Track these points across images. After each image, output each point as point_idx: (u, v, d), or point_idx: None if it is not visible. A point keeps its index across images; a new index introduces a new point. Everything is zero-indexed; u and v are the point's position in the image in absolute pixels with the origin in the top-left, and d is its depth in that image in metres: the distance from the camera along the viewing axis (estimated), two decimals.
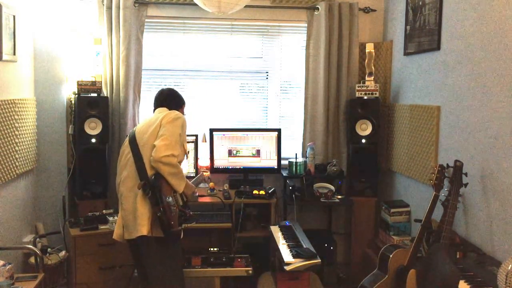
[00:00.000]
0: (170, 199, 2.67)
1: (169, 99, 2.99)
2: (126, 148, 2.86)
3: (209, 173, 3.79)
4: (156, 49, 4.18)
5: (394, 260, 2.81)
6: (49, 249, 3.50)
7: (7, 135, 3.21)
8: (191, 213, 2.79)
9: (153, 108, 3.04)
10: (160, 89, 3.10)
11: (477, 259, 2.62)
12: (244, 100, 4.39)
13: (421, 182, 3.46)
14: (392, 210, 3.63)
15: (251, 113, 4.38)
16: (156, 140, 2.69)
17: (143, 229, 2.65)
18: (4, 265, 2.59)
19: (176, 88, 3.19)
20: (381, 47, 4.19)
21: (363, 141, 3.96)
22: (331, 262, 3.85)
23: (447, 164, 2.82)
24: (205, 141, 4.03)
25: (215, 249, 3.54)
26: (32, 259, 3.28)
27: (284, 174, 3.99)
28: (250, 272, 3.21)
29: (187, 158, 2.98)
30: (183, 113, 3.02)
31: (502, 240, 2.55)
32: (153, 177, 2.66)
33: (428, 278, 2.51)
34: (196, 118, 4.18)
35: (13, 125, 3.29)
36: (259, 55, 4.32)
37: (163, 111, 2.90)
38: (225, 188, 3.96)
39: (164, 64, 4.20)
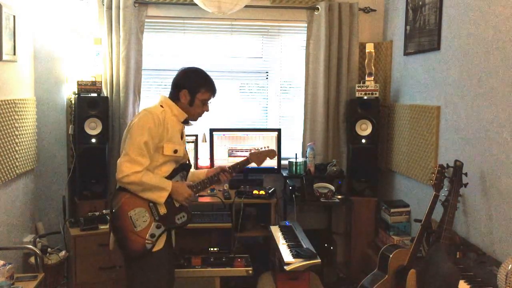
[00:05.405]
0: (134, 213, 2.41)
1: (174, 84, 2.61)
2: None
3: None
4: (156, 49, 4.18)
5: (394, 260, 2.81)
6: (49, 249, 3.50)
7: (7, 135, 3.21)
8: (177, 221, 2.51)
9: None
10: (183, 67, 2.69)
11: (477, 259, 2.62)
12: (244, 100, 4.39)
13: (421, 182, 3.46)
14: (392, 210, 3.63)
15: (251, 113, 4.38)
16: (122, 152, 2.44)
17: (109, 243, 2.52)
18: (4, 265, 2.59)
19: None
20: (381, 47, 4.19)
21: (363, 141, 3.96)
22: (331, 262, 3.85)
23: (447, 164, 2.82)
24: (205, 141, 4.03)
25: (215, 249, 3.54)
26: (32, 259, 3.28)
27: (284, 174, 3.99)
28: (250, 272, 3.21)
29: (181, 154, 2.56)
30: (196, 103, 2.56)
31: (502, 240, 2.55)
32: (118, 189, 2.43)
33: (428, 278, 2.51)
34: None
35: (13, 125, 3.29)
36: (259, 55, 4.32)
37: (151, 105, 2.58)
38: (225, 188, 3.96)
39: (164, 64, 4.20)
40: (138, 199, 2.44)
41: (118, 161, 2.41)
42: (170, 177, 2.55)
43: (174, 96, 2.60)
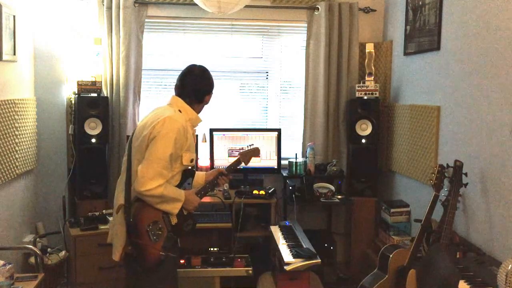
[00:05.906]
0: (151, 226, 2.35)
1: (193, 90, 2.49)
2: (126, 149, 2.54)
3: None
4: (156, 49, 4.18)
5: (394, 260, 2.81)
6: (49, 249, 3.51)
7: (7, 135, 3.21)
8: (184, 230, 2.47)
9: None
10: (191, 65, 2.58)
11: (477, 259, 2.62)
12: (244, 100, 4.39)
13: (421, 182, 3.46)
14: (392, 210, 3.63)
15: (251, 113, 4.38)
16: (143, 161, 2.31)
17: (116, 254, 2.43)
18: (4, 265, 2.59)
19: None
20: (381, 47, 4.19)
21: (363, 141, 3.96)
22: (331, 262, 3.85)
23: (447, 164, 2.82)
24: (205, 141, 4.03)
25: (215, 249, 3.53)
26: (32, 259, 3.28)
27: (284, 174, 3.99)
28: (250, 272, 3.21)
29: (194, 163, 2.55)
30: (206, 101, 2.56)
31: (502, 240, 2.55)
32: (134, 201, 2.35)
33: (428, 278, 2.51)
34: None
35: (13, 125, 3.29)
36: (259, 55, 4.32)
37: (167, 109, 2.43)
38: (225, 188, 3.96)
39: (164, 64, 4.20)
40: (152, 209, 2.35)
41: (139, 171, 2.27)
42: (179, 185, 2.50)
43: (196, 99, 2.52)
